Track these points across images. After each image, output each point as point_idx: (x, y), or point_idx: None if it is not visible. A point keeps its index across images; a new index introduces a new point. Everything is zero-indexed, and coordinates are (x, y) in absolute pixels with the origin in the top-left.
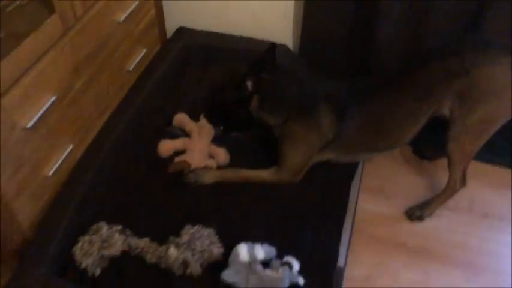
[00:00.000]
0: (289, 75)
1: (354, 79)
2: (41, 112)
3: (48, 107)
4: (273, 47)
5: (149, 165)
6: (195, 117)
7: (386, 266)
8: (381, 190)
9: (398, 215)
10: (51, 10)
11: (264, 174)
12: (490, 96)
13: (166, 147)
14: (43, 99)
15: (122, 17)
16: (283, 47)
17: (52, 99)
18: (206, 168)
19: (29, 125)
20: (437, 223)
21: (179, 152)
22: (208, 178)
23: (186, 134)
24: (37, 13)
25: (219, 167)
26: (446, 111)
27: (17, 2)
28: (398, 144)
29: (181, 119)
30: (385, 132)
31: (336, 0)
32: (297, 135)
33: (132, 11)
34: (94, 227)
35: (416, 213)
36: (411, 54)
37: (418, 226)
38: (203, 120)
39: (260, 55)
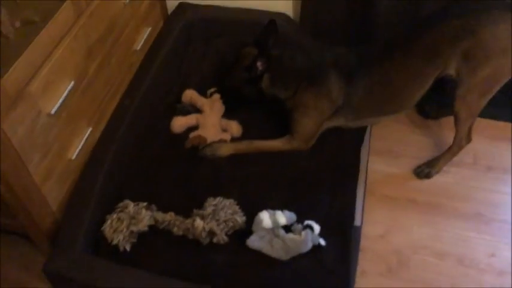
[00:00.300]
0: (294, 46)
1: (361, 45)
2: (62, 98)
3: (68, 92)
4: (273, 22)
5: (164, 142)
6: (203, 92)
7: (400, 223)
8: (389, 151)
9: (408, 174)
10: None
11: (277, 143)
12: (495, 54)
13: (179, 123)
14: (63, 84)
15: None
16: (284, 15)
17: (71, 85)
18: (221, 141)
19: (53, 111)
20: (445, 179)
21: (192, 128)
22: (224, 151)
23: (196, 110)
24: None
25: (233, 140)
26: (452, 72)
27: None
28: (406, 107)
29: (190, 95)
30: (394, 96)
31: None
32: (308, 103)
33: None
34: (121, 204)
35: (424, 171)
36: (411, 19)
37: (426, 183)
38: (214, 95)
39: (262, 31)
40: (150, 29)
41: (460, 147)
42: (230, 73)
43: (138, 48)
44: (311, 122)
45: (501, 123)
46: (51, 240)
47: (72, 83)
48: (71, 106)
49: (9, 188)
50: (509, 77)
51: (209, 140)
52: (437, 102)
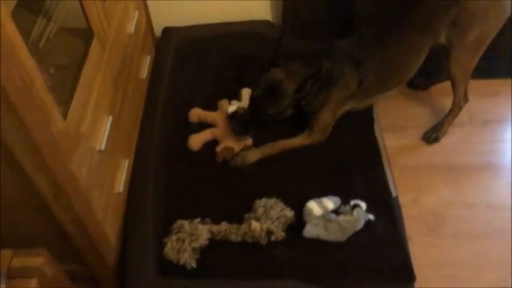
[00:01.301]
0: (314, 53)
1: (359, 32)
2: (106, 133)
3: (110, 126)
4: (281, 37)
5: (193, 160)
6: (209, 108)
7: (426, 187)
8: (395, 126)
9: (418, 143)
10: (90, 35)
11: (298, 140)
12: (478, 19)
13: (196, 141)
14: (104, 120)
15: (132, 29)
16: (266, 22)
17: (110, 119)
18: (244, 148)
19: (101, 147)
20: (450, 140)
21: (210, 143)
22: (252, 157)
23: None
24: (68, 42)
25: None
26: (443, 40)
27: (44, 37)
28: (407, 79)
29: (197, 113)
30: (396, 70)
31: None
32: (332, 99)
33: (136, 22)
34: (175, 225)
35: (432, 136)
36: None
37: (436, 147)
38: (222, 105)
39: (275, 48)
40: (149, 57)
41: (460, 108)
42: (275, 101)
43: (144, 77)
44: (330, 114)
45: (483, 82)
46: (117, 277)
47: (111, 117)
48: (112, 141)
49: (81, 228)
50: (493, 37)
51: (236, 149)
52: (425, 74)
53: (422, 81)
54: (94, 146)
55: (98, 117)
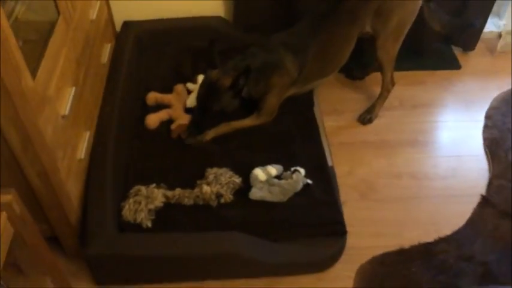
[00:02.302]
0: (250, 48)
1: (297, 25)
2: (70, 101)
3: (72, 97)
4: (213, 42)
5: (152, 136)
6: (166, 92)
7: (360, 160)
8: (334, 110)
9: (354, 124)
10: (56, 14)
11: (248, 121)
12: (397, 9)
13: (152, 119)
14: (68, 90)
15: (93, 15)
16: (219, 18)
17: (73, 90)
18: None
19: (65, 113)
20: (383, 121)
21: (166, 122)
22: (207, 136)
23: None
24: (35, 21)
25: None
26: (368, 29)
27: (13, 16)
28: (340, 65)
29: (154, 96)
30: (331, 58)
31: None
32: (274, 84)
33: (97, 10)
34: (133, 190)
35: (366, 117)
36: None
37: (370, 127)
38: (177, 88)
39: (211, 51)
40: (110, 45)
41: (388, 91)
42: (217, 100)
43: (105, 62)
44: (275, 98)
45: (412, 72)
46: (78, 237)
47: (74, 88)
48: (74, 111)
49: (46, 183)
50: (410, 24)
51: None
52: (360, 65)
53: (359, 72)
54: (59, 110)
55: (62, 86)
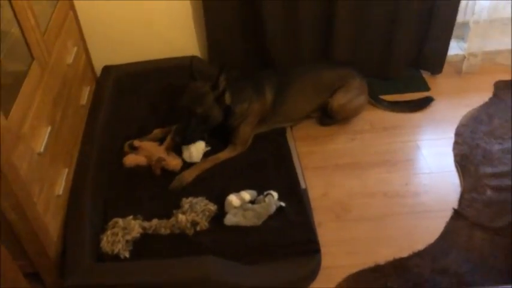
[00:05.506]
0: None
1: (279, 69)
2: (45, 139)
3: (48, 134)
4: (193, 59)
5: (128, 173)
6: (146, 132)
7: (334, 182)
8: (307, 135)
9: (326, 148)
10: (31, 57)
11: (225, 154)
12: (354, 91)
13: (130, 160)
14: (43, 129)
15: (70, 60)
16: (196, 57)
17: (49, 129)
18: (183, 173)
19: (41, 150)
20: (354, 144)
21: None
22: (189, 177)
23: None
24: (9, 66)
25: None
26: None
27: None
28: (302, 117)
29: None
30: (295, 109)
31: (230, 10)
32: (254, 111)
33: (75, 55)
34: (111, 223)
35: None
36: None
37: (342, 150)
38: (156, 135)
39: (191, 69)
40: (89, 87)
41: None
42: (199, 101)
43: (84, 103)
44: (249, 127)
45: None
46: (59, 272)
47: (49, 127)
48: (51, 148)
49: (22, 216)
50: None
51: (166, 159)
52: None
53: (325, 121)
54: (34, 148)
55: (37, 125)
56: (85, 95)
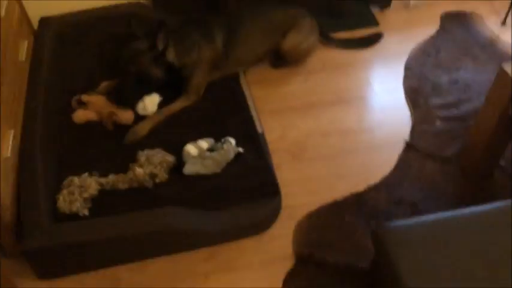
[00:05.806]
0: (179, 21)
1: (227, 12)
2: None
3: None
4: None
5: (79, 128)
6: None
7: (289, 124)
8: (262, 78)
9: (281, 90)
10: None
11: (178, 104)
12: (305, 32)
13: (79, 116)
14: None
15: (2, 13)
16: (139, 3)
17: None
18: (137, 125)
19: None
20: (308, 84)
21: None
22: (143, 130)
23: None
24: None
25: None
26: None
27: None
28: (256, 61)
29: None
30: (247, 53)
31: None
32: (204, 58)
33: (6, 8)
34: (65, 182)
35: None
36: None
37: (297, 92)
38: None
39: (131, 25)
40: (26, 42)
41: None
42: (134, 61)
43: (24, 59)
44: (202, 75)
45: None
46: (15, 234)
47: None
48: None
49: None
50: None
51: (117, 112)
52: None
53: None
54: None
55: None
56: (23, 50)
